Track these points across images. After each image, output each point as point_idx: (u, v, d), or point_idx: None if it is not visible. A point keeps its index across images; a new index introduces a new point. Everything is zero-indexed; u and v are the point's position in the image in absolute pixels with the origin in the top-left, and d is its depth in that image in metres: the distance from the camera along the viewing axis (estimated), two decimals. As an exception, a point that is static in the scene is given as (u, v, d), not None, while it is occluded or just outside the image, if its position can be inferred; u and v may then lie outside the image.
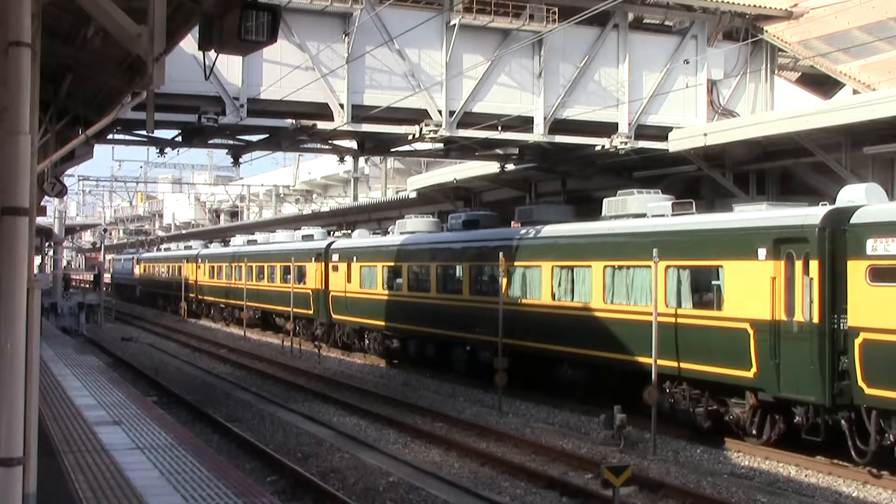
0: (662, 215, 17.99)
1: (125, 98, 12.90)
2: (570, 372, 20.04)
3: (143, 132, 21.35)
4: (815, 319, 13.93)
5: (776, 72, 24.66)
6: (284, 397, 21.80)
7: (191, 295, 50.81)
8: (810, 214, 14.50)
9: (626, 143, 22.32)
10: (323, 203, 66.32)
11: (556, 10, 20.88)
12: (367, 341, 29.63)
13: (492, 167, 27.62)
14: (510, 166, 26.98)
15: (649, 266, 16.66)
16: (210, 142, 24.00)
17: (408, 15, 20.50)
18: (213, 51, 8.49)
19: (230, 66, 19.19)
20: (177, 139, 22.60)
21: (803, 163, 21.21)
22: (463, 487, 12.89)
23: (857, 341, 13.29)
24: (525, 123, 21.82)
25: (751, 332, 14.98)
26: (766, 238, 14.82)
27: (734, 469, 14.61)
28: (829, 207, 14.52)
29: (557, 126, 22.09)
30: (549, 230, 20.93)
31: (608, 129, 22.49)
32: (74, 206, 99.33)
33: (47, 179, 17.43)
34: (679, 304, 16.64)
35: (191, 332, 41.48)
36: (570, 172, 27.55)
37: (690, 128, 22.70)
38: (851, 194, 14.71)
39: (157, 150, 23.76)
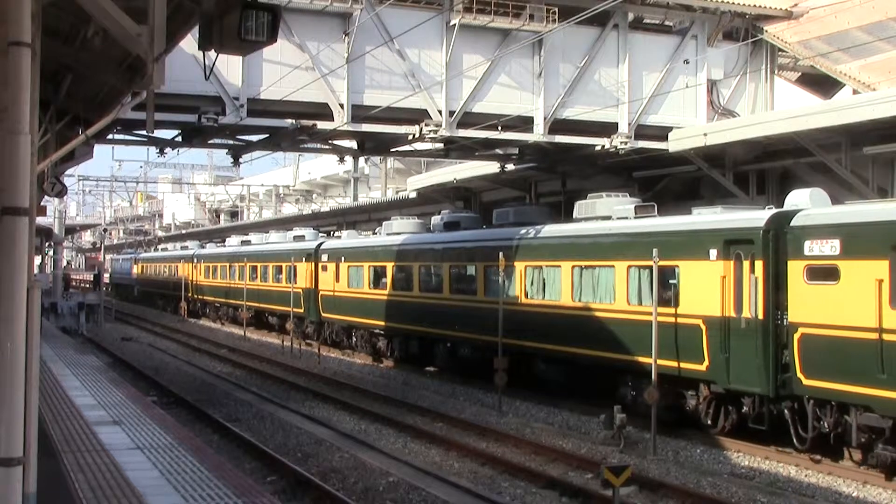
0: (626, 218, 18.89)
1: (125, 98, 12.90)
2: (544, 367, 20.62)
3: (143, 132, 21.35)
4: (760, 316, 14.93)
5: (776, 72, 24.65)
6: (284, 397, 21.80)
7: (187, 294, 51.04)
8: (756, 218, 15.50)
9: (626, 143, 22.30)
10: (323, 203, 66.29)
11: (556, 10, 20.87)
12: (354, 339, 30.42)
13: (492, 167, 27.61)
14: (510, 166, 26.97)
15: (613, 266, 18.10)
16: (210, 142, 23.98)
17: (408, 15, 20.48)
18: (213, 51, 8.49)
19: (230, 66, 19.18)
20: (177, 139, 22.58)
21: (803, 163, 21.20)
22: (463, 487, 12.89)
23: (796, 336, 14.28)
24: (525, 123, 21.81)
25: (703, 328, 15.89)
26: (717, 240, 15.78)
27: (734, 469, 14.62)
28: (773, 211, 15.59)
29: (557, 126, 22.08)
30: (523, 232, 21.72)
31: (608, 129, 22.47)
32: (74, 206, 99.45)
33: (47, 179, 17.42)
34: (640, 302, 17.56)
35: (190, 332, 41.49)
36: (570, 172, 27.54)
37: (690, 128, 22.69)
38: (797, 198, 15.64)
39: (157, 150, 23.74)
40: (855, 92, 22.24)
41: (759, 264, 15.01)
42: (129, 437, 12.69)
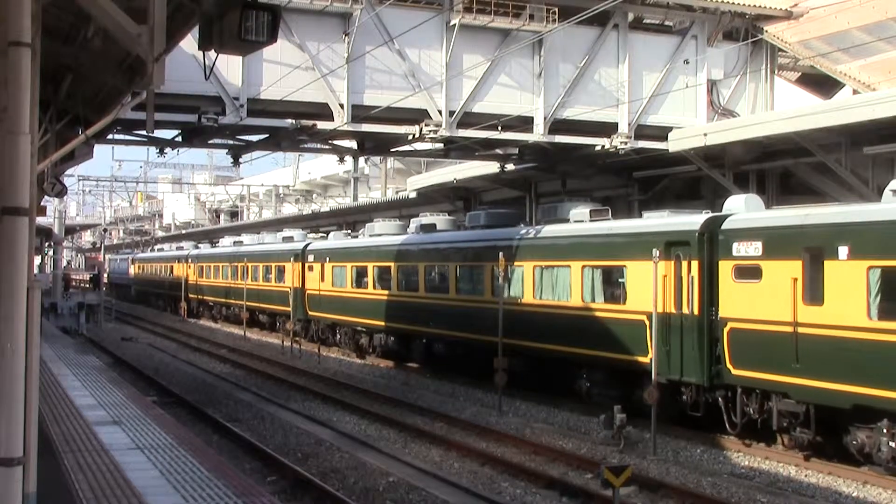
0: (581, 221, 20.30)
1: (125, 98, 12.90)
2: (511, 362, 21.30)
3: (143, 132, 21.32)
4: (696, 312, 16.21)
5: (776, 72, 24.65)
6: (284, 397, 21.79)
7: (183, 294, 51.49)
8: (692, 221, 16.79)
9: (626, 143, 22.31)
10: (323, 203, 66.27)
11: (556, 10, 20.86)
12: (338, 336, 31.55)
13: (492, 167, 27.62)
14: (510, 166, 26.96)
15: (569, 266, 19.51)
16: (210, 142, 23.97)
17: (408, 15, 20.47)
18: (213, 51, 8.49)
19: (230, 66, 19.17)
20: (177, 139, 22.58)
21: (803, 163, 21.21)
22: (463, 487, 12.88)
23: (726, 330, 15.63)
24: (525, 123, 21.80)
25: (647, 323, 16.96)
26: (659, 241, 16.96)
27: (734, 469, 14.62)
28: (708, 215, 16.89)
29: (557, 126, 22.08)
30: (490, 234, 22.94)
31: (608, 129, 22.47)
32: (74, 206, 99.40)
33: (47, 179, 17.40)
34: (593, 300, 18.96)
35: (190, 332, 41.48)
36: (570, 172, 27.53)
37: (690, 128, 22.68)
38: (734, 204, 17.04)
39: (157, 150, 23.73)
40: (855, 92, 22.24)
41: (694, 264, 16.29)
42: (129, 437, 12.69)
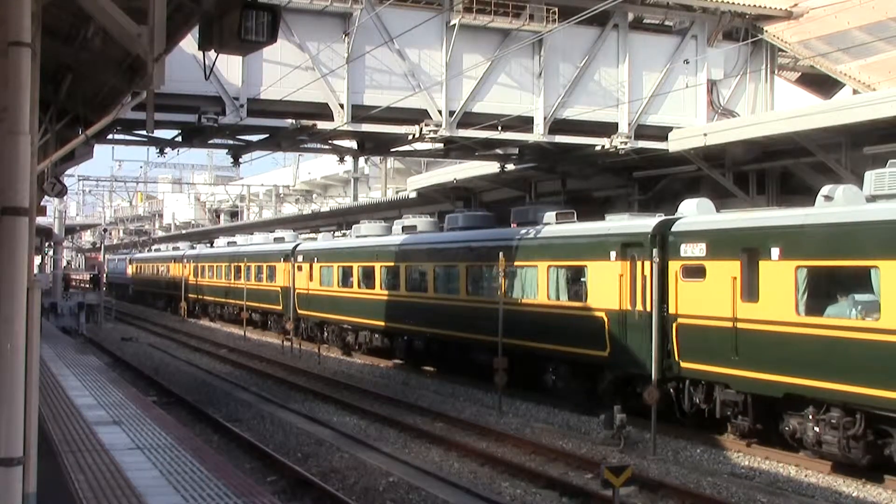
0: (549, 223, 21.24)
1: (125, 98, 12.89)
2: (480, 357, 22.38)
3: (143, 132, 21.33)
4: (649, 309, 17.03)
5: (776, 72, 24.64)
6: (284, 397, 21.79)
7: (179, 293, 51.71)
8: (645, 224, 17.72)
9: (626, 143, 22.31)
10: (323, 203, 66.26)
11: (556, 10, 20.87)
12: (326, 334, 32.35)
13: (492, 167, 27.62)
14: (510, 166, 26.96)
15: (536, 266, 20.53)
16: (210, 142, 23.96)
17: (408, 15, 20.48)
18: (213, 51, 8.50)
19: (230, 66, 19.18)
20: (177, 139, 22.58)
21: (803, 163, 21.20)
22: (463, 487, 12.89)
23: (675, 325, 16.62)
24: (525, 123, 21.80)
25: (606, 319, 18.16)
26: (616, 243, 18.06)
27: (734, 469, 14.63)
28: (661, 218, 17.78)
29: (557, 126, 22.08)
30: (465, 236, 24.04)
31: (608, 129, 22.47)
32: (74, 206, 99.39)
33: (47, 179, 17.39)
34: (558, 298, 20.03)
35: (190, 332, 41.48)
36: (570, 172, 27.54)
37: (690, 128, 22.68)
38: (686, 208, 17.82)
39: (157, 150, 23.74)
40: (855, 92, 22.24)
41: (647, 264, 17.12)
42: (129, 437, 12.69)
